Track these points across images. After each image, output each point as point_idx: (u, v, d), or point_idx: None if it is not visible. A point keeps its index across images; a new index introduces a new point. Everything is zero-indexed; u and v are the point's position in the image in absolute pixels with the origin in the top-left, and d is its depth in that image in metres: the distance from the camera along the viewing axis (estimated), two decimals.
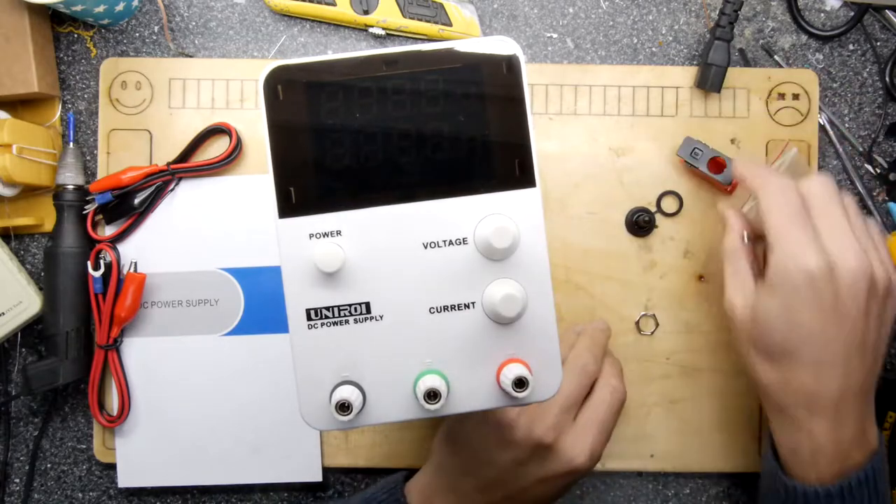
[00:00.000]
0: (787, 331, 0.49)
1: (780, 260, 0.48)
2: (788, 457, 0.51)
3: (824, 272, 0.47)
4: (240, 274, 0.63)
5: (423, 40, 0.64)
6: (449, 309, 0.40)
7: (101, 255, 0.61)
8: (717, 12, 0.62)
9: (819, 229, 0.48)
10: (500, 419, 0.50)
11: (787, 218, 0.48)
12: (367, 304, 0.40)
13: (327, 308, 0.40)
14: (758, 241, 0.55)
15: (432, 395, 0.38)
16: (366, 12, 0.62)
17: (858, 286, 0.47)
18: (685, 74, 0.64)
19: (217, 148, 0.63)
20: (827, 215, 0.49)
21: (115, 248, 0.62)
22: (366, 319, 0.40)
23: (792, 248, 0.48)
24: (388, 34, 0.64)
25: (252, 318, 0.63)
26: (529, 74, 0.40)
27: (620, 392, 0.54)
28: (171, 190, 0.63)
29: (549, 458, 0.50)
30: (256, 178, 0.63)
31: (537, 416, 0.50)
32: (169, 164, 0.62)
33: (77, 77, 0.65)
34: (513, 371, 0.39)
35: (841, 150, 0.65)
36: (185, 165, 0.62)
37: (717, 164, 0.61)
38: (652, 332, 0.63)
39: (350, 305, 0.40)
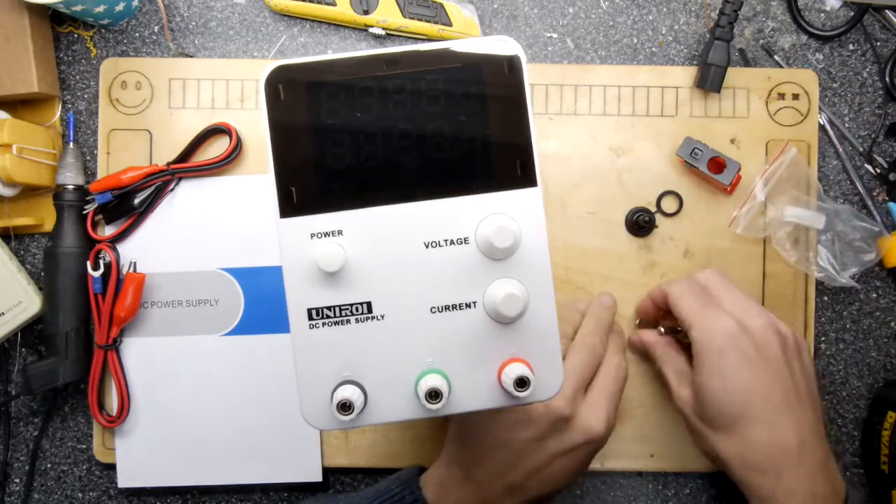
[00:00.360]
0: (729, 394, 0.53)
1: (699, 336, 0.54)
2: None
3: (737, 330, 0.53)
4: (240, 274, 0.63)
5: (423, 40, 0.64)
6: (450, 308, 0.40)
7: (101, 255, 0.61)
8: (717, 12, 0.62)
9: (723, 303, 0.56)
10: None
11: (696, 303, 0.56)
12: (369, 304, 0.40)
13: (329, 308, 0.40)
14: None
15: (434, 395, 0.38)
16: (366, 12, 0.62)
17: (770, 338, 0.54)
18: (685, 74, 0.64)
19: (217, 148, 0.63)
20: (725, 293, 0.56)
21: (114, 248, 0.62)
22: (367, 319, 0.40)
23: (706, 322, 0.54)
24: (388, 34, 0.64)
25: (252, 318, 0.63)
26: (530, 74, 0.40)
27: (623, 368, 0.56)
28: (171, 190, 0.63)
29: (569, 430, 0.52)
30: (256, 178, 0.63)
31: None
32: (169, 164, 0.62)
33: (77, 77, 0.65)
34: (514, 370, 0.39)
35: (841, 150, 0.65)
36: (185, 165, 0.62)
37: (717, 163, 0.61)
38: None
39: (351, 305, 0.40)
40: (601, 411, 0.53)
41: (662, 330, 0.61)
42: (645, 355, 0.63)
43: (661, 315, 0.62)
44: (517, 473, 0.52)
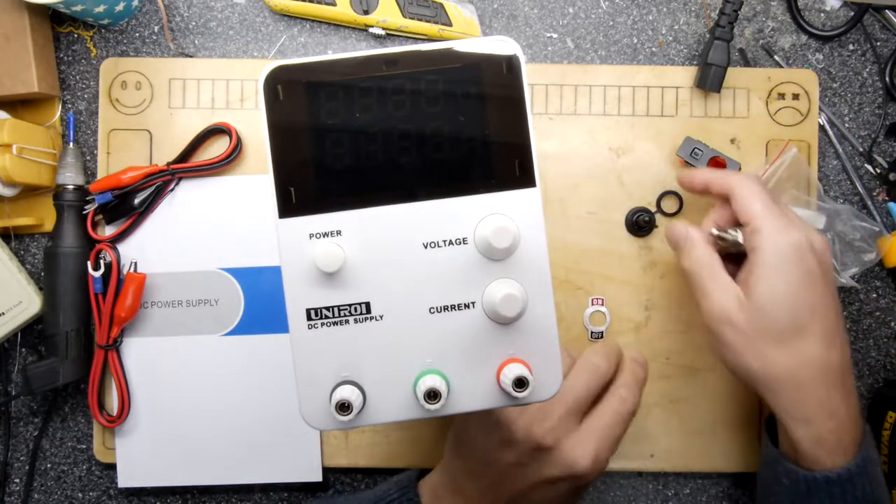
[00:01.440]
0: (794, 306, 0.50)
1: (769, 241, 0.50)
2: (791, 447, 0.52)
3: (806, 243, 0.50)
4: (240, 274, 0.63)
5: (423, 40, 0.64)
6: (449, 309, 0.40)
7: (101, 255, 0.61)
8: (717, 12, 0.62)
9: (789, 214, 0.53)
10: (499, 419, 0.50)
11: (768, 204, 0.51)
12: (368, 304, 0.40)
13: (327, 308, 0.40)
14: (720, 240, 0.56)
15: (432, 395, 0.38)
16: (366, 12, 0.62)
17: (828, 258, 0.52)
18: (685, 74, 0.64)
19: (217, 148, 0.63)
20: (789, 207, 0.54)
21: (115, 248, 0.62)
22: (366, 319, 0.40)
23: (777, 229, 0.50)
24: (388, 34, 0.64)
25: (252, 318, 0.63)
26: (529, 74, 0.40)
27: (630, 403, 0.52)
28: (171, 190, 0.63)
29: (549, 461, 0.50)
30: (256, 178, 0.63)
31: (538, 416, 0.50)
32: (169, 164, 0.62)
33: (77, 77, 0.65)
34: (513, 371, 0.39)
35: (841, 150, 0.65)
36: (185, 165, 0.62)
37: (717, 163, 0.61)
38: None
39: (350, 305, 0.40)
40: (588, 446, 0.50)
41: (715, 232, 0.54)
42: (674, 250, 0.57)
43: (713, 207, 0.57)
44: (501, 495, 0.51)
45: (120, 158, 0.63)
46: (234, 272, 0.63)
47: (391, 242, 0.40)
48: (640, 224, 0.63)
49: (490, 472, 0.51)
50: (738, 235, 0.53)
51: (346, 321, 0.40)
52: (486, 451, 0.51)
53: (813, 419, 0.50)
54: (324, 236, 0.39)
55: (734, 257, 0.54)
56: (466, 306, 0.40)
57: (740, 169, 0.61)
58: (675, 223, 0.57)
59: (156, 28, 0.65)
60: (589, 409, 0.52)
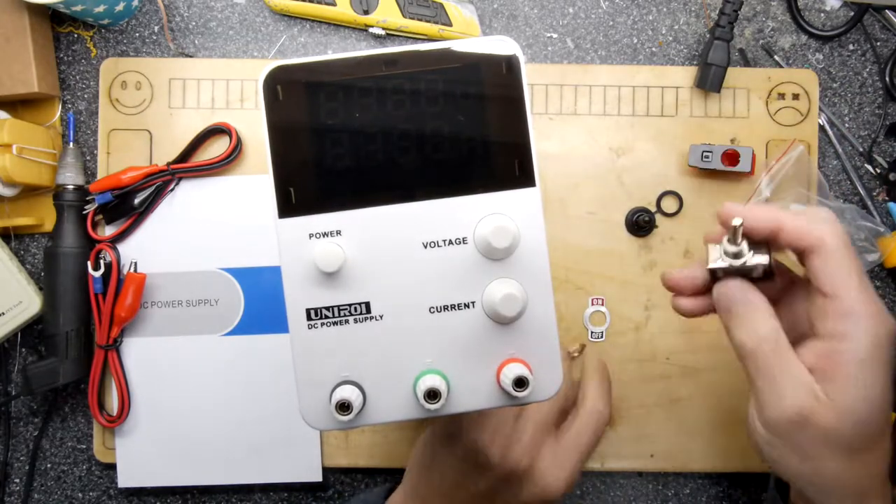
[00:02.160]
0: (880, 411, 0.39)
1: (868, 330, 0.38)
2: None
3: (891, 336, 0.39)
4: (240, 274, 0.63)
5: (423, 40, 0.64)
6: (449, 308, 0.40)
7: (101, 255, 0.61)
8: (717, 12, 0.62)
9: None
10: (472, 446, 0.48)
11: (861, 276, 0.39)
12: (367, 304, 0.40)
13: (327, 308, 0.40)
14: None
15: (432, 395, 0.38)
16: (366, 12, 0.62)
17: None
18: (685, 74, 0.64)
19: (217, 148, 0.63)
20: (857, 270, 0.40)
21: (115, 248, 0.62)
22: (366, 319, 0.40)
23: (876, 314, 0.39)
24: (388, 34, 0.64)
25: (252, 318, 0.63)
26: (529, 74, 0.40)
27: (606, 417, 0.51)
28: (171, 190, 0.63)
29: (524, 485, 0.48)
30: (256, 178, 0.63)
31: (511, 440, 0.48)
32: (169, 164, 0.62)
33: (77, 77, 0.65)
34: (513, 371, 0.39)
35: (841, 150, 0.65)
36: (185, 165, 0.62)
37: (730, 156, 0.61)
38: (575, 357, 0.63)
39: (350, 305, 0.40)
40: (565, 468, 0.48)
41: (721, 264, 0.42)
42: (702, 311, 0.45)
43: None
44: None
45: (120, 158, 0.63)
46: (234, 272, 0.63)
47: (391, 242, 0.40)
48: (640, 224, 0.63)
49: (463, 496, 0.49)
50: (758, 259, 0.41)
51: (346, 321, 0.40)
52: (457, 475, 0.49)
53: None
54: (323, 236, 0.39)
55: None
56: (466, 306, 0.40)
57: (753, 155, 0.61)
58: (729, 282, 0.42)
59: (156, 28, 0.65)
60: (559, 422, 0.50)
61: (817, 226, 0.39)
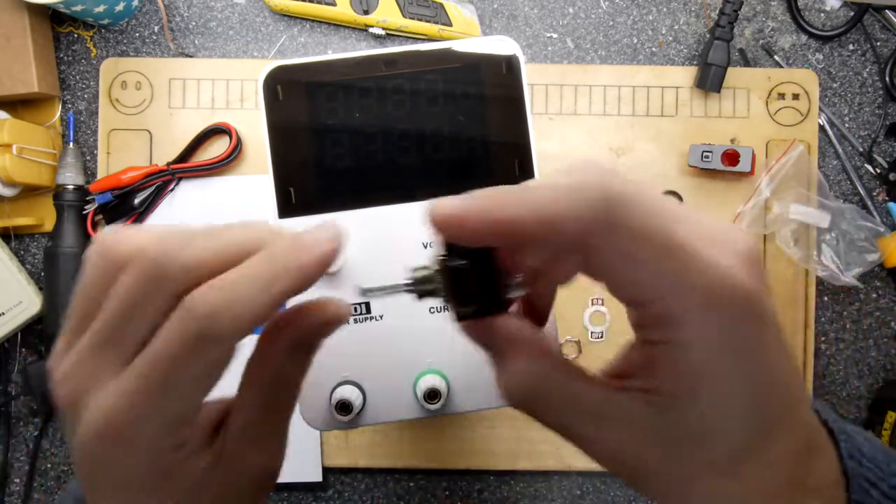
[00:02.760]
0: (749, 412, 0.27)
1: (694, 329, 0.26)
2: None
3: (750, 299, 0.26)
4: None
5: (423, 40, 0.64)
6: (449, 309, 0.40)
7: None
8: (717, 12, 0.62)
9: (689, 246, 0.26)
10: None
11: (664, 245, 0.25)
12: (368, 304, 0.40)
13: None
14: None
15: (432, 395, 0.38)
16: (366, 12, 0.62)
17: (764, 274, 0.28)
18: (685, 74, 0.64)
19: (217, 148, 0.63)
20: (679, 215, 0.26)
21: None
22: (366, 319, 0.40)
23: (703, 296, 0.25)
24: (388, 34, 0.64)
25: None
26: (529, 74, 0.40)
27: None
28: (171, 190, 0.63)
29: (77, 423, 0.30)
30: (256, 178, 0.63)
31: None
32: (169, 164, 0.62)
33: (77, 77, 0.65)
34: None
35: (841, 150, 0.65)
36: (185, 165, 0.62)
37: (731, 156, 0.61)
38: (574, 358, 0.63)
39: (350, 305, 0.40)
40: (115, 388, 0.29)
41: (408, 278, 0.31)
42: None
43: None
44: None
45: (120, 158, 0.63)
46: None
47: (391, 242, 0.40)
48: None
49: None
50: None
51: (347, 321, 0.40)
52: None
53: None
54: None
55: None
56: None
57: (753, 155, 0.61)
58: (500, 321, 0.30)
59: (156, 28, 0.65)
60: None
61: (555, 198, 0.25)
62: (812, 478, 0.29)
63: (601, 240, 0.24)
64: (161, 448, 0.29)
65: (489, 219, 0.26)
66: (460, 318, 0.30)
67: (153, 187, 0.62)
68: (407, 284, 0.31)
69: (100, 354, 0.30)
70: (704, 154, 0.62)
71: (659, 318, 0.26)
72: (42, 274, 0.62)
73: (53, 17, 0.64)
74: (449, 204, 0.27)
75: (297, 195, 0.39)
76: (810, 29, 0.65)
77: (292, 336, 0.32)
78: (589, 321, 0.63)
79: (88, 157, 0.64)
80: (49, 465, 0.65)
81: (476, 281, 0.29)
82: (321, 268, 0.29)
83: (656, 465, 0.28)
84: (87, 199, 0.62)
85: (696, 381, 0.26)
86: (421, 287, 0.31)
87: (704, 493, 0.28)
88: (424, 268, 0.31)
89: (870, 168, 0.65)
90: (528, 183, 0.26)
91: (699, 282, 0.24)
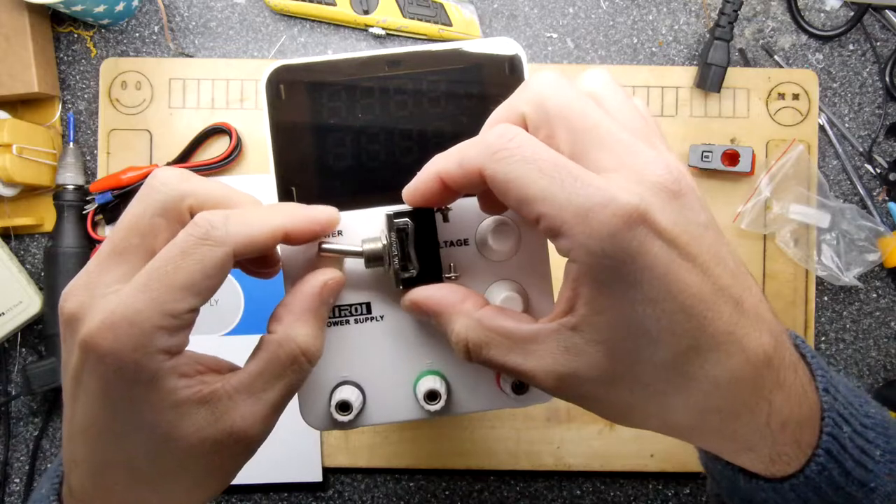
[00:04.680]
0: (659, 328, 0.29)
1: (579, 243, 0.29)
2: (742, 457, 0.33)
3: (637, 211, 0.28)
4: (240, 274, 0.63)
5: (423, 40, 0.64)
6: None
7: None
8: (717, 12, 0.62)
9: (595, 152, 0.30)
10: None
11: (549, 172, 0.29)
12: (368, 304, 0.40)
13: None
14: None
15: (432, 396, 0.38)
16: (366, 12, 0.62)
17: (686, 201, 0.30)
18: (685, 74, 0.64)
19: (217, 148, 0.63)
20: (598, 124, 0.30)
21: None
22: (366, 319, 0.40)
23: (582, 211, 0.28)
24: (388, 34, 0.64)
25: (252, 318, 0.63)
26: (529, 74, 0.40)
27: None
28: None
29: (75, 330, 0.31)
30: (256, 178, 0.63)
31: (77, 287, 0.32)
32: (169, 163, 0.62)
33: (77, 77, 0.65)
34: None
35: (841, 150, 0.65)
36: (185, 165, 0.62)
37: (731, 156, 0.61)
38: None
39: (350, 306, 0.40)
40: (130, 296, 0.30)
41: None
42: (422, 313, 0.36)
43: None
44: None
45: (120, 158, 0.63)
46: (234, 272, 0.62)
47: None
48: None
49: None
50: (353, 248, 0.36)
51: (347, 321, 0.40)
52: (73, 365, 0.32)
53: (756, 444, 0.32)
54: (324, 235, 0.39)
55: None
56: None
57: (753, 155, 0.61)
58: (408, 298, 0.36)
59: (156, 28, 0.65)
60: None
61: (480, 161, 0.31)
62: (774, 411, 0.31)
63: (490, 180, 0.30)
64: (153, 347, 0.31)
65: (432, 173, 0.33)
66: (404, 283, 0.36)
67: None
68: (358, 251, 0.36)
69: (107, 268, 0.32)
70: (704, 154, 0.62)
71: (547, 230, 0.29)
72: (42, 274, 0.62)
73: (53, 17, 0.64)
74: (413, 184, 0.34)
75: (299, 195, 0.39)
76: (810, 29, 0.65)
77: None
78: None
79: (88, 157, 0.64)
80: (49, 465, 0.65)
81: (417, 243, 0.35)
82: (314, 224, 0.35)
83: (604, 382, 0.31)
84: (87, 199, 0.62)
85: (591, 299, 0.29)
86: (370, 252, 0.36)
87: (659, 407, 0.31)
88: (375, 238, 0.36)
89: (870, 168, 0.65)
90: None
91: (573, 198, 0.28)
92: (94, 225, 0.62)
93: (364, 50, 0.57)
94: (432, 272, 0.36)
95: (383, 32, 0.63)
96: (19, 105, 0.64)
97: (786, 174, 0.62)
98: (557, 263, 0.58)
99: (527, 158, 0.29)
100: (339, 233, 0.39)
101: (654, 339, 0.30)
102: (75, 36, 0.65)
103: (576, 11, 0.66)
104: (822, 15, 0.65)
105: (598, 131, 0.30)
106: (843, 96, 0.65)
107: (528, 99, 0.32)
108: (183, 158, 0.62)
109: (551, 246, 0.33)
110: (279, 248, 0.40)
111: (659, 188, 0.29)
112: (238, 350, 0.62)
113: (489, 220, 0.39)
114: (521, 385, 0.38)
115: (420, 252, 0.36)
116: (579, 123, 0.30)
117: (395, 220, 0.36)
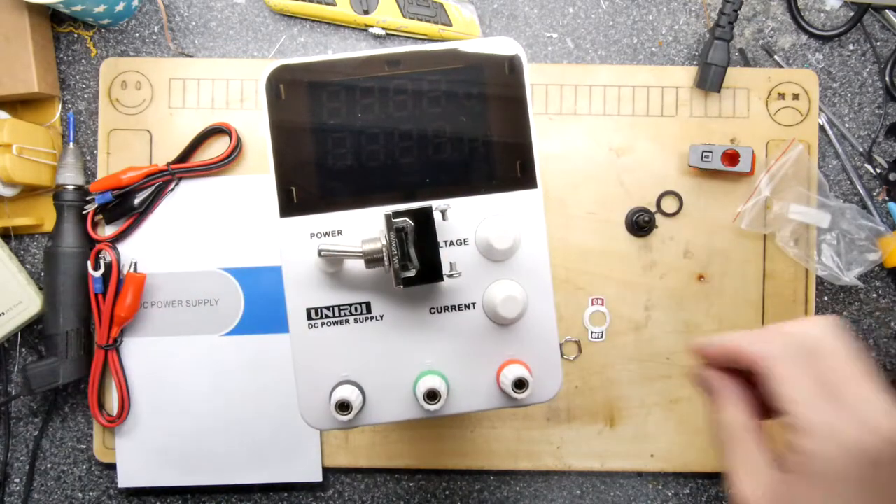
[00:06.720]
0: None
1: (810, 445, 0.36)
2: None
3: (878, 453, 0.35)
4: (240, 274, 0.63)
5: (423, 40, 0.64)
6: (449, 309, 0.40)
7: (101, 255, 0.61)
8: (717, 12, 0.62)
9: (844, 393, 0.37)
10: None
11: (810, 388, 0.37)
12: (368, 304, 0.40)
13: (328, 308, 0.40)
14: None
15: (432, 396, 0.38)
16: (366, 12, 0.62)
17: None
18: (685, 74, 0.64)
19: (217, 148, 0.63)
20: (848, 373, 0.37)
21: (115, 248, 0.62)
22: (366, 319, 0.40)
23: (825, 427, 0.36)
24: (388, 34, 0.64)
25: (252, 318, 0.63)
26: (530, 74, 0.40)
27: None
28: (171, 190, 0.63)
29: None
30: (256, 178, 0.63)
31: None
32: (169, 164, 0.62)
33: (77, 77, 0.65)
34: (513, 372, 0.39)
35: (841, 150, 0.65)
36: (185, 165, 0.62)
37: (731, 156, 0.61)
38: (574, 358, 0.63)
39: (350, 305, 0.40)
40: None
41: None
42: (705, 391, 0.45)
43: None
44: None
45: (120, 158, 0.63)
46: (234, 272, 0.63)
47: None
48: (640, 224, 0.63)
49: None
50: None
51: (347, 321, 0.40)
52: None
53: None
54: (324, 236, 0.39)
55: None
56: (467, 307, 0.40)
57: (753, 155, 0.61)
58: (706, 371, 0.44)
59: (156, 28, 0.65)
60: None
61: (760, 347, 0.39)
62: None
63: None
64: None
65: (734, 356, 0.40)
66: (404, 282, 0.37)
67: (153, 187, 0.62)
68: (358, 251, 0.37)
69: None
70: (704, 154, 0.62)
71: (793, 427, 0.36)
72: (42, 274, 0.62)
73: (53, 17, 0.64)
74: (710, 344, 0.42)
75: (298, 194, 0.39)
76: (810, 29, 0.65)
77: None
78: (589, 321, 0.63)
79: (88, 157, 0.64)
80: (49, 465, 0.65)
81: (416, 242, 0.36)
82: None
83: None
84: (87, 199, 0.62)
85: (808, 490, 0.36)
86: (369, 252, 0.37)
87: None
88: (375, 239, 0.37)
89: (870, 168, 0.65)
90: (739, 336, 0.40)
91: (831, 417, 0.36)
92: (94, 225, 0.62)
93: (364, 50, 0.57)
94: (432, 271, 0.37)
95: (383, 32, 0.63)
96: (19, 105, 0.64)
97: (786, 174, 0.62)
98: (555, 263, 0.58)
99: None
100: (339, 233, 0.39)
101: None
102: (75, 36, 0.65)
103: (576, 11, 0.66)
104: (822, 15, 0.65)
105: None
106: (843, 96, 0.65)
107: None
108: (183, 158, 0.62)
109: (551, 246, 0.38)
110: (279, 249, 0.39)
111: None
112: (237, 350, 0.63)
113: (490, 221, 0.39)
114: (521, 382, 0.38)
115: (420, 251, 0.37)
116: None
117: (394, 220, 0.36)
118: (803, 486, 0.36)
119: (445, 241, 0.40)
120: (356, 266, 0.39)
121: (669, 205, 0.64)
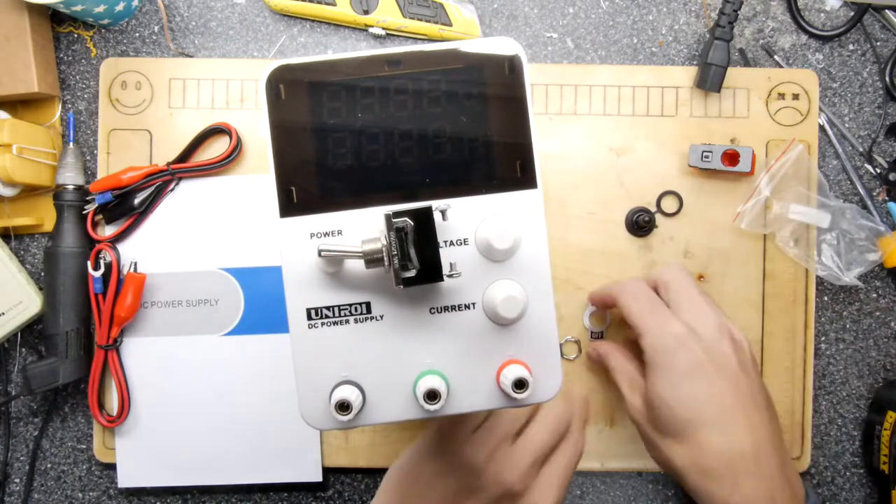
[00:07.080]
0: (679, 400, 0.51)
1: (648, 341, 0.52)
2: None
3: (686, 334, 0.51)
4: (240, 274, 0.63)
5: (423, 40, 0.64)
6: (449, 309, 0.40)
7: (101, 255, 0.61)
8: (717, 12, 0.62)
9: (678, 306, 0.54)
10: (467, 463, 0.49)
11: (646, 308, 0.54)
12: (368, 304, 0.40)
13: (328, 308, 0.40)
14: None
15: (432, 396, 0.38)
16: (366, 12, 0.62)
17: (723, 343, 0.52)
18: (685, 74, 0.64)
19: (217, 148, 0.63)
20: (683, 294, 0.54)
21: (115, 248, 0.62)
22: (366, 319, 0.40)
23: (654, 327, 0.52)
24: (388, 34, 0.64)
25: (252, 318, 0.63)
26: (530, 74, 0.40)
27: (581, 446, 0.54)
28: (171, 190, 0.63)
29: None
30: (256, 178, 0.63)
31: (507, 463, 0.50)
32: (169, 164, 0.62)
33: (77, 77, 0.65)
34: (513, 372, 0.39)
35: (841, 150, 0.65)
36: (185, 165, 0.62)
37: (731, 156, 0.61)
38: (574, 358, 0.63)
39: (350, 305, 0.40)
40: (552, 494, 0.50)
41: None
42: (602, 366, 0.60)
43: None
44: None
45: (120, 158, 0.63)
46: (234, 272, 0.63)
47: None
48: (640, 224, 0.63)
49: None
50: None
51: (347, 321, 0.40)
52: (445, 494, 0.50)
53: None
54: (325, 236, 0.39)
55: None
56: (467, 307, 0.40)
57: (753, 155, 0.61)
58: (589, 349, 0.62)
59: (156, 28, 0.65)
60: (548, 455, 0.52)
61: (611, 290, 0.58)
62: (753, 478, 0.49)
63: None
64: None
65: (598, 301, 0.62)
66: (404, 282, 0.37)
67: (153, 187, 0.62)
68: (358, 251, 0.37)
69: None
70: (704, 154, 0.62)
71: (639, 335, 0.54)
72: (42, 274, 0.62)
73: (53, 17, 0.64)
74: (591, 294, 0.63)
75: (298, 194, 0.39)
76: (810, 29, 0.65)
77: None
78: (589, 321, 0.63)
79: (88, 157, 0.64)
80: (49, 465, 0.65)
81: (416, 242, 0.36)
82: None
83: (648, 422, 0.54)
84: (87, 199, 0.62)
85: (650, 371, 0.53)
86: (369, 252, 0.37)
87: (669, 448, 0.52)
88: (375, 239, 0.37)
89: (870, 168, 0.65)
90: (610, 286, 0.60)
91: (655, 319, 0.54)
92: (94, 225, 0.62)
93: (364, 50, 0.57)
94: (432, 271, 0.37)
95: (383, 32, 0.63)
96: (19, 105, 0.64)
97: (786, 174, 0.62)
98: (555, 263, 0.58)
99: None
100: (339, 233, 0.39)
101: (680, 406, 0.51)
102: (75, 36, 0.65)
103: (576, 11, 0.66)
104: (822, 15, 0.65)
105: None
106: (843, 96, 0.65)
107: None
108: (183, 158, 0.62)
109: (551, 246, 0.39)
110: (279, 249, 0.39)
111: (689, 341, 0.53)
112: (238, 350, 0.63)
113: (489, 221, 0.39)
114: (521, 382, 0.38)
115: (420, 251, 0.36)
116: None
117: (394, 220, 0.36)
118: (651, 375, 0.52)
119: (445, 241, 0.40)
120: (356, 266, 0.39)
121: (669, 205, 0.64)
